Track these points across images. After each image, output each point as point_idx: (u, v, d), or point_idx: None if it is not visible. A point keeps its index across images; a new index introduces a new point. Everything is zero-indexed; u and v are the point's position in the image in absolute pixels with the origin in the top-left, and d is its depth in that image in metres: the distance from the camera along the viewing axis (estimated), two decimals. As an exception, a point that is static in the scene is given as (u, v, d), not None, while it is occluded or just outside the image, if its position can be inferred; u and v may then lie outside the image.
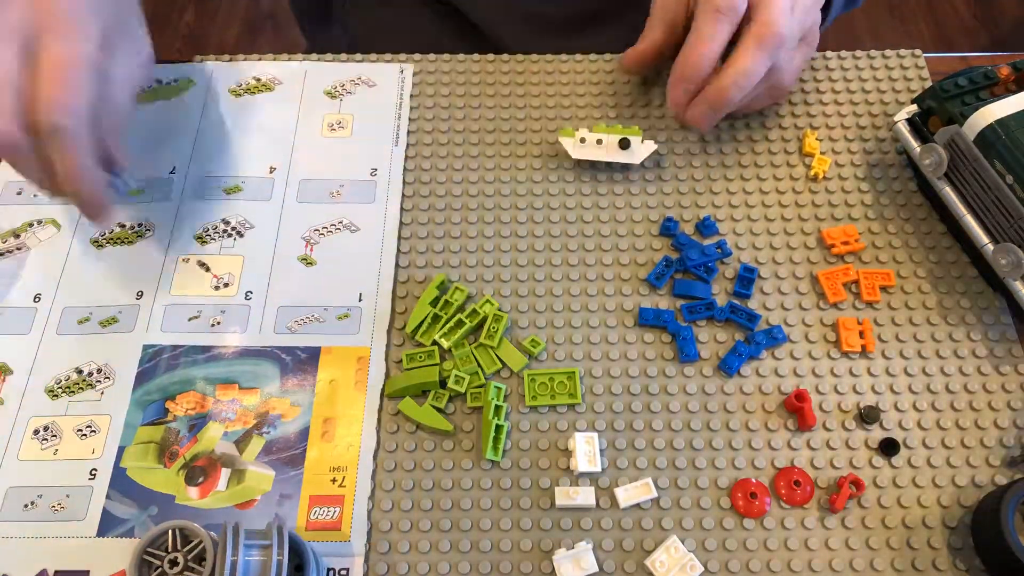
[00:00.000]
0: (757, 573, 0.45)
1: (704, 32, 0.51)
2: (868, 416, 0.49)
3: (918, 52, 0.63)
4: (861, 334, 0.51)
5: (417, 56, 0.63)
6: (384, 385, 0.50)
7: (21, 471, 0.48)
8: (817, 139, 0.59)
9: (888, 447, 0.48)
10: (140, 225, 0.56)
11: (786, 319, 0.52)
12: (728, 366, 0.50)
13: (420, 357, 0.50)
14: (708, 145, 0.59)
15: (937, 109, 0.52)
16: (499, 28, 0.74)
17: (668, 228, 0.55)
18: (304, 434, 0.49)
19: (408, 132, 0.60)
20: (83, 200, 0.48)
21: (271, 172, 0.58)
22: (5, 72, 0.44)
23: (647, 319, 0.51)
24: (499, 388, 0.49)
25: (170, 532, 0.40)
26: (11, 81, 0.44)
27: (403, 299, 0.53)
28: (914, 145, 0.54)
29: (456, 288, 0.52)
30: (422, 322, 0.51)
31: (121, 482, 0.47)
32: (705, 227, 0.55)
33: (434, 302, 0.52)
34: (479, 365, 0.50)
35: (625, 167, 0.58)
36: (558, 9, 0.72)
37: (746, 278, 0.53)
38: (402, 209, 0.57)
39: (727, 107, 0.53)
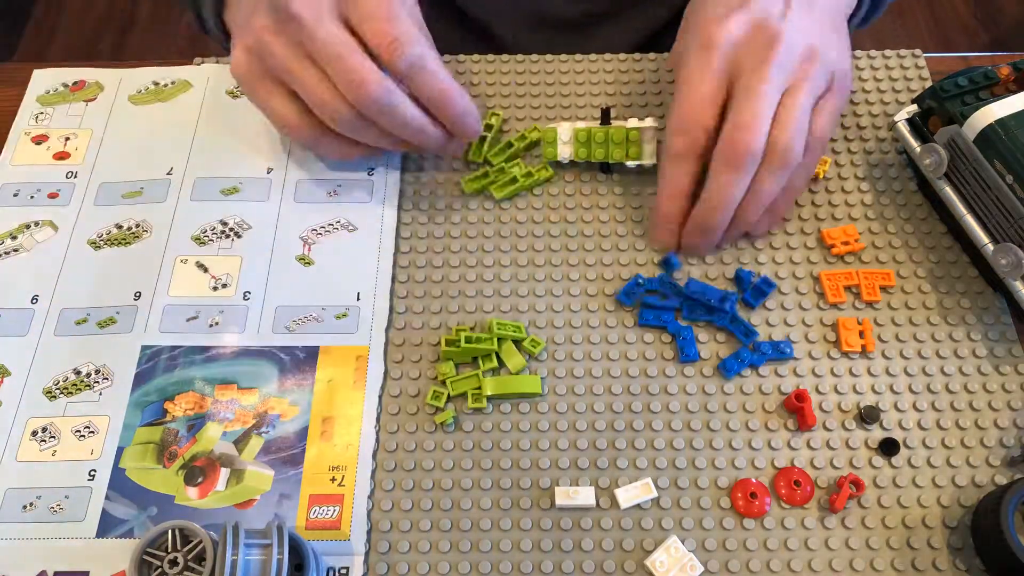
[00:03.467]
0: (757, 573, 0.45)
1: (723, 188, 0.48)
2: (868, 416, 0.48)
3: (918, 52, 0.63)
4: (861, 334, 0.51)
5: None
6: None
7: (20, 472, 0.47)
8: (817, 139, 0.59)
9: (888, 447, 0.48)
10: (137, 226, 0.55)
11: (786, 319, 0.52)
12: (727, 368, 0.50)
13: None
14: (708, 145, 0.59)
15: (937, 109, 0.52)
16: (501, 27, 0.74)
17: (671, 263, 0.54)
18: (303, 434, 0.49)
19: (407, 132, 0.60)
20: (457, 117, 0.50)
21: (268, 172, 0.58)
22: (341, 37, 0.48)
23: (647, 319, 0.51)
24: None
25: (170, 532, 0.40)
26: (348, 43, 0.47)
27: (403, 299, 0.53)
28: (914, 145, 0.54)
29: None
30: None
31: (120, 483, 0.47)
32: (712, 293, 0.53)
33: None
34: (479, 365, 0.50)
35: (624, 165, 0.57)
36: (561, 9, 0.72)
37: (760, 289, 0.52)
38: (400, 208, 0.57)
39: (716, 231, 0.51)
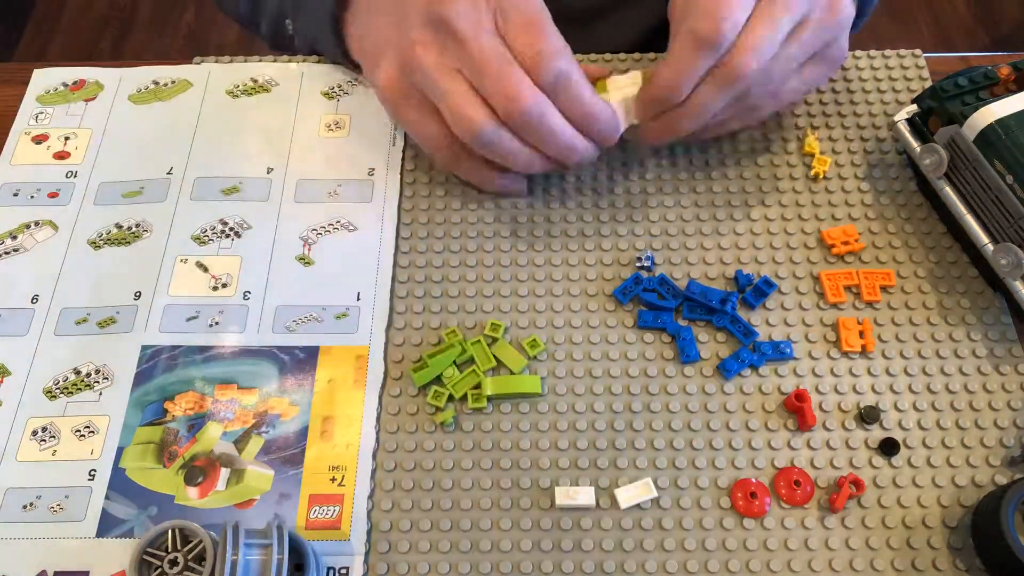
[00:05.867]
0: (757, 573, 0.45)
1: (680, 62, 0.48)
2: (868, 416, 0.48)
3: (918, 52, 0.63)
4: (861, 334, 0.51)
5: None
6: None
7: (20, 472, 0.47)
8: (817, 139, 0.59)
9: (888, 447, 0.48)
10: (137, 226, 0.55)
11: (786, 319, 0.52)
12: (727, 369, 0.50)
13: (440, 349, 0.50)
14: (708, 145, 0.59)
15: (937, 109, 0.52)
16: None
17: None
18: (303, 433, 0.49)
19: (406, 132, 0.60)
20: (601, 130, 0.50)
21: (268, 172, 0.58)
22: (499, 50, 0.47)
23: (646, 321, 0.51)
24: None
25: (170, 532, 0.40)
26: (505, 56, 0.47)
27: (403, 299, 0.53)
28: (914, 145, 0.54)
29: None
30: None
31: (120, 482, 0.47)
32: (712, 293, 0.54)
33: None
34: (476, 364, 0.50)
35: (624, 164, 0.57)
36: (560, 5, 0.72)
37: (760, 289, 0.52)
38: (400, 208, 0.57)
39: (679, 135, 0.52)
